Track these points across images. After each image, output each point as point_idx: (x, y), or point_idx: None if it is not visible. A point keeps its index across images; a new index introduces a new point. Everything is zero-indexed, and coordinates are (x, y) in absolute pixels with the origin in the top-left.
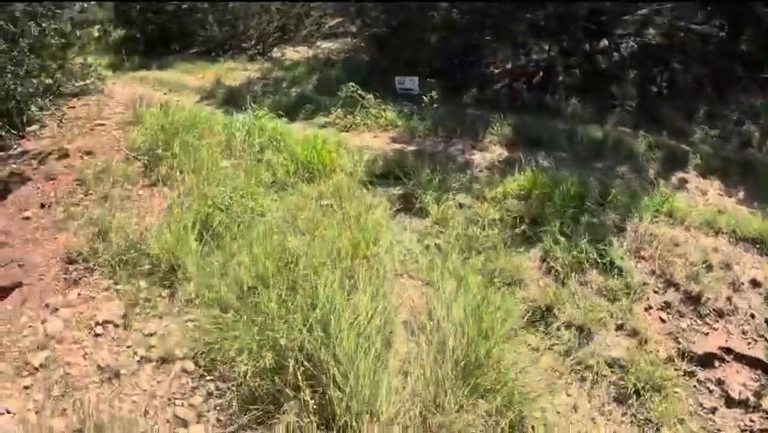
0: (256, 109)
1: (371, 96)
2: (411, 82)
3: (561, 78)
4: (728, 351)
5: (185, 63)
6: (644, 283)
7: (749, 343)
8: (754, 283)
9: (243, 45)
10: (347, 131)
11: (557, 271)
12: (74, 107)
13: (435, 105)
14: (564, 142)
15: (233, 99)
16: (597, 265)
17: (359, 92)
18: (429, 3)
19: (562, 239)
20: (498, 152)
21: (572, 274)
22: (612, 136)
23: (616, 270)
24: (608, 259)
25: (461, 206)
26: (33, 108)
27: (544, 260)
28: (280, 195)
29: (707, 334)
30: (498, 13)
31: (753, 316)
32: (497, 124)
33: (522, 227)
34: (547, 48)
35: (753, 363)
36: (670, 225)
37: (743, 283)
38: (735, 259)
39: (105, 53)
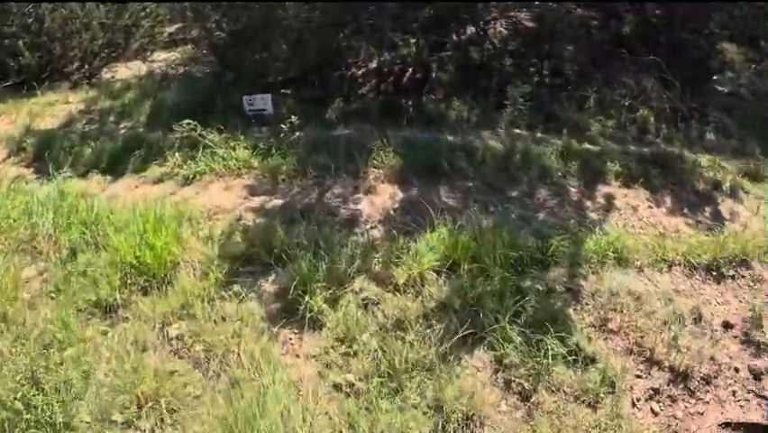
0: (65, 173)
1: (215, 131)
2: (263, 101)
3: (434, 75)
4: (727, 425)
5: None
6: (624, 369)
7: (742, 405)
8: (727, 326)
9: (66, 70)
10: (189, 183)
11: (519, 384)
12: None
13: (296, 133)
14: (465, 165)
15: (45, 152)
16: (564, 360)
17: (197, 129)
18: (275, 3)
19: (513, 333)
20: (389, 193)
21: (539, 384)
22: (517, 149)
23: (587, 360)
24: (575, 345)
25: (365, 304)
26: None
27: (498, 370)
28: (109, 325)
29: (702, 413)
30: (358, 5)
31: (737, 369)
32: (379, 151)
33: (457, 322)
34: (414, 41)
35: (751, 428)
36: (623, 271)
37: (716, 330)
38: (700, 299)
39: None
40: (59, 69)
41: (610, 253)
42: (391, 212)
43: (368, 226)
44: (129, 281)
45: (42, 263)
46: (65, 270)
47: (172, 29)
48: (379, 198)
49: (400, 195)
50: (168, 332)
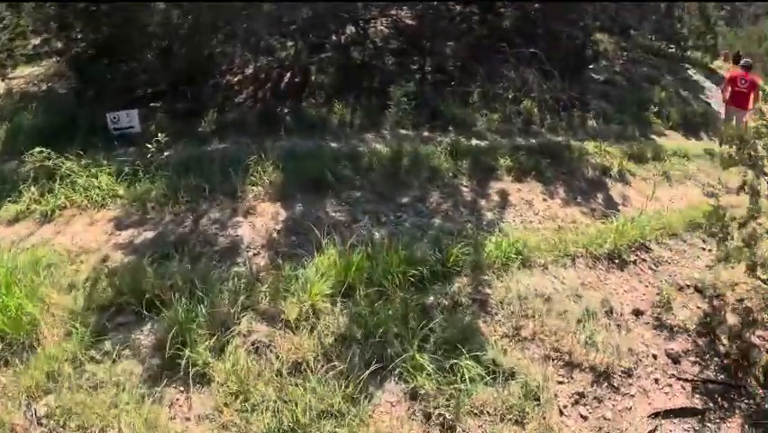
0: None
1: (74, 157)
2: (128, 118)
3: (314, 79)
4: (656, 415)
5: None
6: (545, 377)
7: (666, 392)
8: (637, 313)
9: None
10: (49, 221)
11: (440, 415)
12: None
13: (166, 152)
14: (351, 173)
15: None
16: (482, 380)
17: (51, 157)
18: (138, 7)
19: (424, 360)
20: (270, 213)
21: (460, 410)
22: (405, 151)
23: (506, 375)
24: (491, 362)
25: (256, 348)
26: None
27: (415, 402)
28: None
29: (630, 408)
30: (230, 9)
31: (655, 356)
32: (257, 166)
33: (361, 356)
34: (292, 43)
35: (680, 413)
36: (528, 272)
37: (628, 320)
38: (607, 290)
39: None
40: None
41: (513, 255)
42: (274, 235)
43: (250, 254)
44: None
45: None
46: None
47: (37, 41)
48: (260, 220)
49: (283, 214)
50: (36, 410)
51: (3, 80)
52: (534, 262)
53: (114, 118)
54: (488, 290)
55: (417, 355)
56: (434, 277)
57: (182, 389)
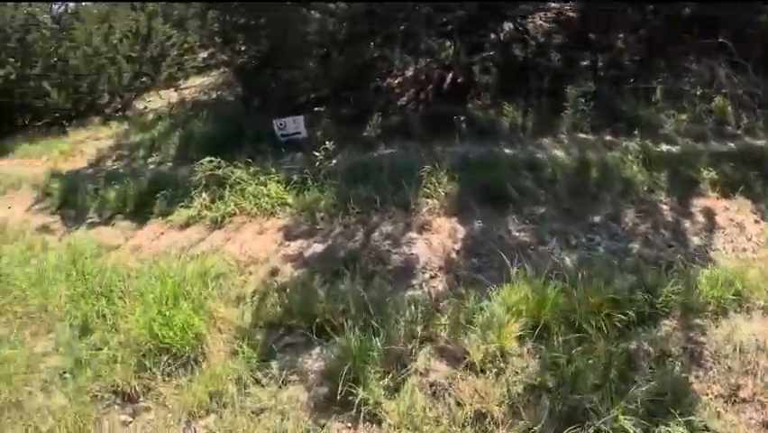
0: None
1: (243, 164)
2: (295, 124)
3: (476, 79)
4: None
5: (27, 143)
6: None
7: None
8: None
9: (98, 104)
10: (219, 227)
11: None
12: None
13: (334, 160)
14: (533, 185)
15: (71, 197)
16: None
17: (221, 166)
18: (297, 16)
19: (627, 422)
20: (447, 230)
21: None
22: (591, 160)
23: None
24: (702, 427)
25: (434, 391)
26: None
27: None
28: (130, 415)
29: None
30: (388, 12)
31: None
32: (430, 177)
33: (553, 411)
34: (450, 43)
35: None
36: (747, 317)
37: None
38: None
39: None
40: (89, 104)
41: (729, 296)
42: (453, 255)
43: (427, 275)
44: (148, 363)
45: (54, 340)
46: (78, 349)
47: (204, 54)
48: (436, 237)
49: (461, 231)
50: (195, 429)
51: (176, 91)
52: (753, 304)
53: (281, 125)
54: (701, 338)
55: (621, 417)
56: (639, 319)
57: (350, 426)
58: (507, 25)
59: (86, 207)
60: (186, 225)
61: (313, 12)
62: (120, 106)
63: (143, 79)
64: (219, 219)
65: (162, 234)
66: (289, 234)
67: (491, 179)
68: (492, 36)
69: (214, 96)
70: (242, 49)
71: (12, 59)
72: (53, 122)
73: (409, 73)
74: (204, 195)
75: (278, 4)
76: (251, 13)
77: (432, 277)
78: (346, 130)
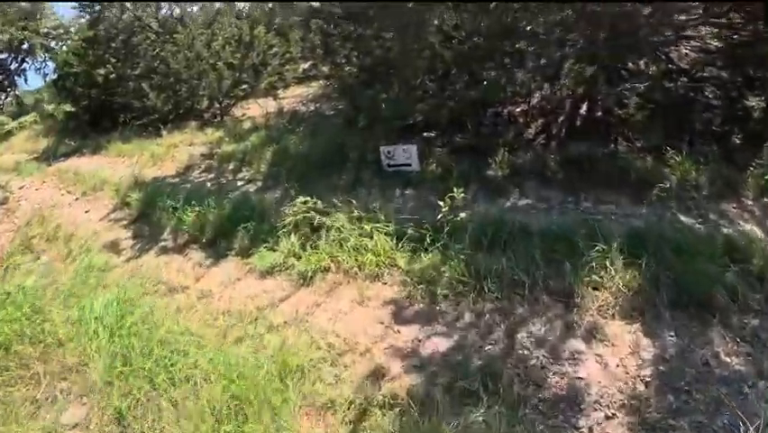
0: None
1: (341, 202)
2: (405, 154)
3: (618, 112)
4: None
5: (122, 143)
6: None
7: None
8: None
9: (196, 108)
10: (308, 283)
11: None
12: None
13: (461, 214)
14: (736, 283)
15: (149, 211)
16: None
17: (316, 207)
18: (415, 25)
19: None
20: (627, 342)
21: None
22: None
23: None
24: None
25: None
26: None
27: None
28: None
29: None
30: (519, 29)
31: None
32: (598, 258)
33: None
34: (583, 67)
35: None
36: None
37: None
38: None
39: (45, 134)
40: (187, 108)
41: None
42: (639, 387)
43: (600, 414)
44: None
45: (87, 415)
46: None
47: (306, 65)
48: (611, 354)
49: (649, 348)
50: None
51: (274, 100)
52: None
53: (389, 153)
54: None
55: None
56: None
57: None
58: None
59: (162, 227)
60: (268, 272)
61: (434, 20)
62: (218, 112)
63: (243, 87)
64: (309, 274)
65: (239, 279)
66: (399, 314)
67: (681, 269)
68: (630, 65)
69: (312, 108)
70: (346, 60)
71: (113, 60)
72: (150, 123)
73: (535, 99)
74: (293, 238)
75: (394, 10)
76: (361, 22)
77: (608, 418)
78: (466, 166)
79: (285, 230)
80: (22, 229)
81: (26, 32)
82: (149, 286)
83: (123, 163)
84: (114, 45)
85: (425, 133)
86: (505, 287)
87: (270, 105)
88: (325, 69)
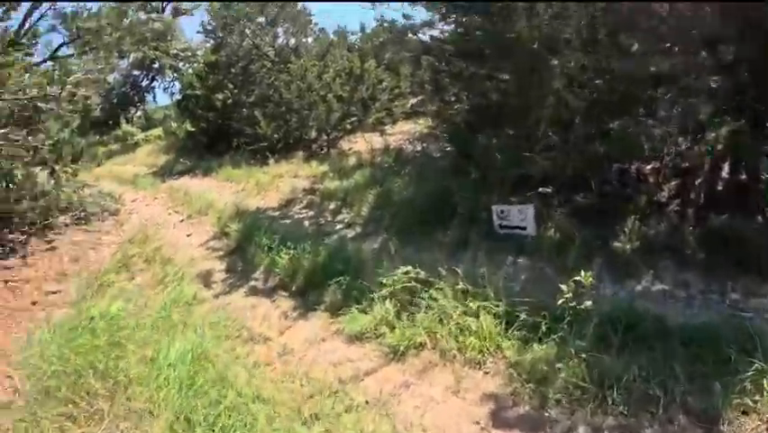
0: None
1: (446, 270)
2: (521, 215)
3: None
4: None
5: (231, 167)
6: None
7: None
8: None
9: (304, 139)
10: (399, 359)
11: None
12: None
13: (588, 301)
14: None
15: (246, 244)
16: None
17: (418, 276)
18: (536, 66)
19: None
20: None
21: None
22: None
23: None
24: None
25: None
26: None
27: None
28: None
29: None
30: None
31: None
32: (749, 366)
33: None
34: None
35: None
36: None
37: None
38: None
39: (166, 151)
40: (296, 138)
41: None
42: None
43: None
44: None
45: None
46: None
47: (414, 101)
48: None
49: None
50: None
51: (381, 135)
52: None
53: (502, 213)
54: None
55: None
56: None
57: None
58: None
59: (255, 265)
60: (356, 337)
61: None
62: (325, 144)
63: (351, 120)
64: (401, 348)
65: (324, 340)
66: (500, 414)
67: None
68: None
69: (419, 147)
70: (455, 99)
71: (231, 85)
72: (259, 150)
73: (668, 156)
74: (388, 303)
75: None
76: (474, 60)
77: None
78: (589, 234)
79: (380, 293)
80: (125, 245)
81: (157, 52)
82: (231, 329)
83: (230, 189)
84: (233, 71)
85: (540, 188)
86: (633, 400)
87: (377, 140)
88: (433, 106)
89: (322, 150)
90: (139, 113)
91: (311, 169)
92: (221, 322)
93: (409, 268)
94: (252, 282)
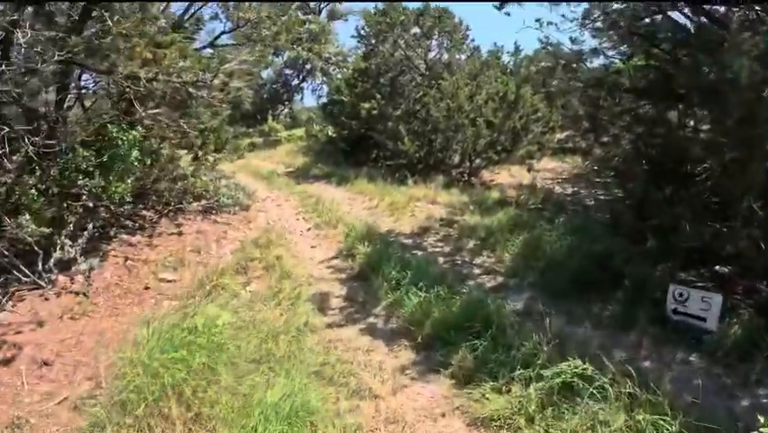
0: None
1: (617, 369)
2: (703, 304)
3: None
4: None
5: (367, 181)
6: None
7: None
8: None
9: (448, 162)
10: None
11: None
12: None
13: None
14: None
15: (371, 272)
16: None
17: (585, 373)
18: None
19: None
20: None
21: None
22: None
23: None
24: None
25: None
26: None
27: None
28: None
29: None
30: None
31: None
32: None
33: None
34: None
35: None
36: None
37: None
38: None
39: (305, 153)
40: (437, 160)
41: None
42: None
43: None
44: None
45: None
46: None
47: (561, 135)
48: None
49: None
50: None
51: (529, 171)
52: None
53: (681, 296)
54: None
55: None
56: None
57: None
58: None
59: (378, 300)
60: (483, 423)
61: None
62: (467, 172)
63: (498, 150)
64: None
65: (443, 415)
66: None
67: None
68: None
69: (569, 190)
70: (612, 140)
71: (379, 95)
72: (397, 167)
73: None
74: (532, 388)
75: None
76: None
77: None
78: None
79: (525, 376)
80: (247, 246)
81: (310, 54)
82: (339, 374)
83: (363, 203)
84: (381, 81)
85: (717, 267)
86: None
87: (523, 175)
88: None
89: (463, 177)
90: (285, 110)
91: (450, 197)
92: (330, 362)
93: (577, 363)
94: (372, 319)
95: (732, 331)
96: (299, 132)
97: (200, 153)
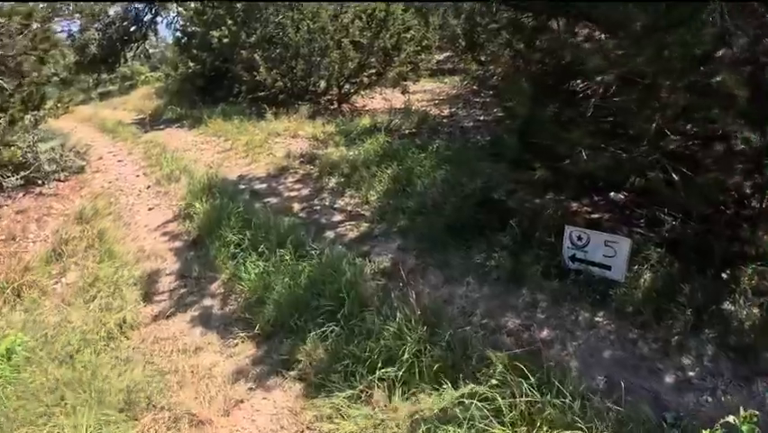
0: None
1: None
2: (608, 249)
3: None
4: None
5: (222, 119)
6: None
7: None
8: None
9: (312, 90)
10: None
11: None
12: None
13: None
14: None
15: (209, 237)
16: None
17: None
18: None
19: None
20: None
21: None
22: None
23: None
24: None
25: None
26: None
27: None
28: None
29: None
30: None
31: None
32: None
33: None
34: None
35: None
36: None
37: None
38: None
39: (160, 95)
40: (301, 89)
41: None
42: None
43: None
44: None
45: None
46: None
47: (441, 57)
48: None
49: None
50: None
51: (403, 93)
52: None
53: (579, 240)
54: None
55: None
56: None
57: None
58: None
59: (213, 274)
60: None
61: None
62: (335, 99)
63: (369, 72)
64: None
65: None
66: None
67: None
68: None
69: (446, 112)
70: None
71: (230, 21)
72: (256, 99)
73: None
74: (401, 403)
75: None
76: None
77: None
78: (696, 288)
79: (387, 370)
80: (69, 221)
81: None
82: (157, 395)
83: (216, 147)
84: (234, 6)
85: (612, 193)
86: None
87: (397, 98)
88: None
89: (332, 105)
90: (140, 50)
91: (314, 128)
92: (146, 380)
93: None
94: (207, 301)
95: (642, 281)
96: (157, 73)
97: (16, 115)
